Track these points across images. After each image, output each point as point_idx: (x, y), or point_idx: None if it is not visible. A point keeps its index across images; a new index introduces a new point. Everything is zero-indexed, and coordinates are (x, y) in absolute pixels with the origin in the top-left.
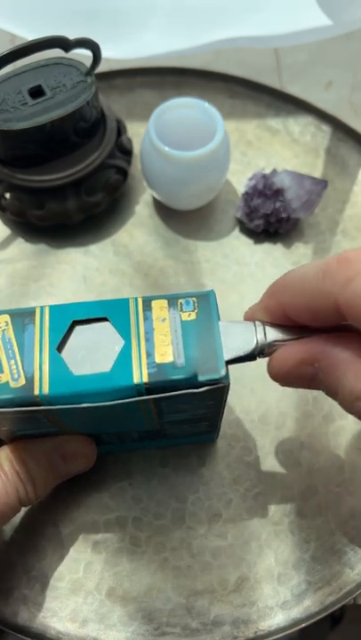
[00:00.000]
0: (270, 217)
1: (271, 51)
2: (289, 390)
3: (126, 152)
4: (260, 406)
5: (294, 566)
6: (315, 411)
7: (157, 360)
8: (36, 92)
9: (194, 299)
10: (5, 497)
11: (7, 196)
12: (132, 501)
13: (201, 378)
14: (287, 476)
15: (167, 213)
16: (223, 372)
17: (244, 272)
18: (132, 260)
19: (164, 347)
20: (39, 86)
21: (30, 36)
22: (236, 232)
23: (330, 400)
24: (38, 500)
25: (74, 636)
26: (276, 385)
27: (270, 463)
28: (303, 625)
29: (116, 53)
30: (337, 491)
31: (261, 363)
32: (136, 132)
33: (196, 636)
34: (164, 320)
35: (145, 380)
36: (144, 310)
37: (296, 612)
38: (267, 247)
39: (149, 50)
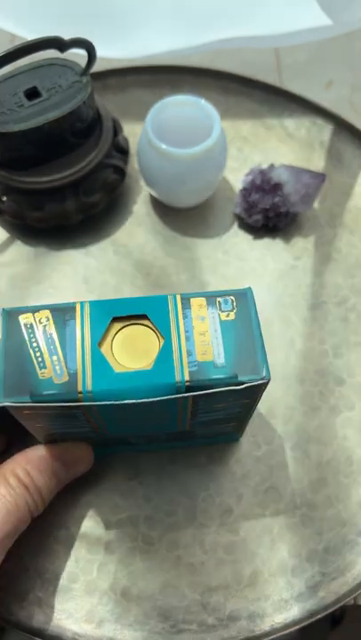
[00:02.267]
0: (269, 212)
1: (271, 50)
2: (294, 384)
3: (123, 151)
4: (266, 400)
5: (308, 558)
6: (321, 403)
7: (198, 359)
8: (32, 94)
9: (232, 297)
10: (17, 511)
11: (4, 198)
12: (143, 500)
13: (241, 378)
14: (297, 470)
15: (165, 211)
16: (264, 373)
17: (245, 267)
18: (133, 260)
19: (204, 346)
20: (35, 88)
21: (30, 35)
22: (235, 228)
23: (336, 393)
24: (44, 507)
25: (90, 637)
26: (281, 379)
27: (279, 457)
28: (319, 616)
29: (116, 53)
30: (347, 482)
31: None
32: (131, 131)
33: (212, 632)
34: (203, 319)
35: (186, 378)
36: (183, 309)
37: (311, 603)
38: (266, 242)
39: (149, 49)
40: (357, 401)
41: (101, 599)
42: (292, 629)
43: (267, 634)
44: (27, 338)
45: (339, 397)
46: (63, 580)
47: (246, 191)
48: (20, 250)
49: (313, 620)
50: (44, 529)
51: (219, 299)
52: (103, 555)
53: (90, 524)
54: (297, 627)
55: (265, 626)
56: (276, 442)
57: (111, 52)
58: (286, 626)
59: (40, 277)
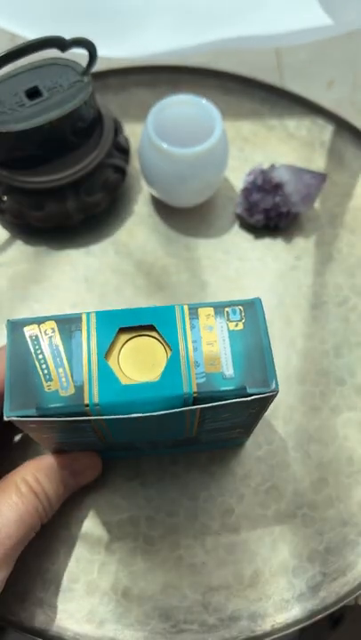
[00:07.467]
0: (270, 212)
1: (272, 50)
2: (295, 384)
3: (124, 151)
4: None
5: (309, 558)
6: (322, 404)
7: (206, 370)
8: (33, 93)
9: (240, 307)
10: (29, 518)
11: (5, 198)
12: (144, 501)
13: (250, 390)
14: (298, 470)
15: (167, 211)
16: (273, 385)
17: (246, 267)
18: (134, 260)
19: (212, 356)
20: (36, 87)
21: (31, 35)
22: (236, 228)
23: (336, 393)
24: (52, 514)
25: (91, 637)
26: (282, 379)
27: (280, 457)
28: (320, 616)
29: (117, 53)
30: (347, 482)
31: None
32: (132, 131)
33: (213, 632)
34: (211, 329)
35: (194, 389)
36: (190, 319)
37: (312, 603)
38: (267, 242)
39: (150, 49)
40: (358, 401)
41: (102, 599)
42: (293, 629)
43: (268, 634)
44: (32, 349)
45: (340, 397)
46: (64, 581)
47: (248, 191)
48: (20, 250)
49: (314, 620)
50: (46, 529)
51: (227, 308)
52: (104, 555)
53: (91, 525)
54: (298, 627)
55: (266, 626)
56: (277, 442)
57: (112, 52)
58: (287, 626)
59: (40, 277)
